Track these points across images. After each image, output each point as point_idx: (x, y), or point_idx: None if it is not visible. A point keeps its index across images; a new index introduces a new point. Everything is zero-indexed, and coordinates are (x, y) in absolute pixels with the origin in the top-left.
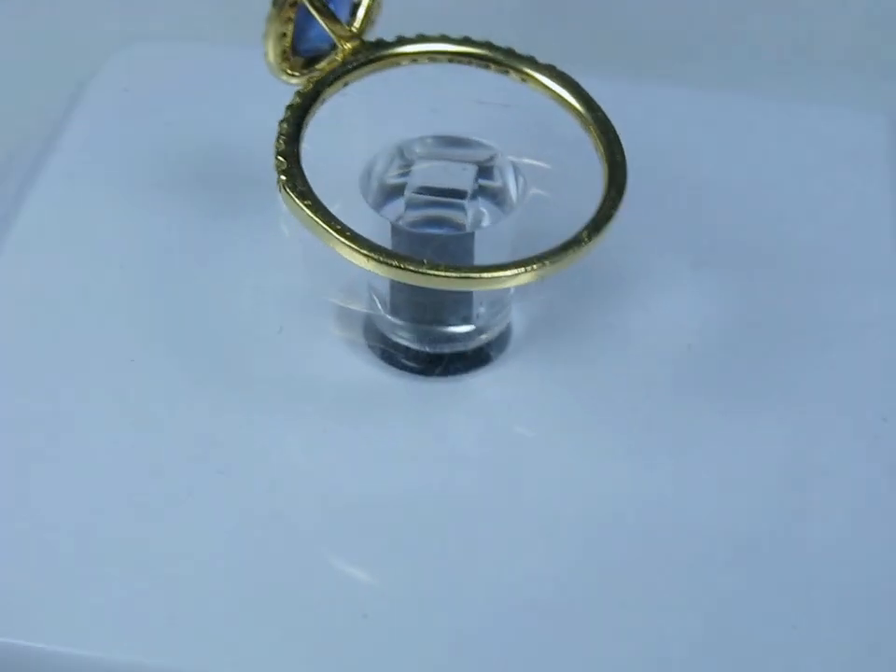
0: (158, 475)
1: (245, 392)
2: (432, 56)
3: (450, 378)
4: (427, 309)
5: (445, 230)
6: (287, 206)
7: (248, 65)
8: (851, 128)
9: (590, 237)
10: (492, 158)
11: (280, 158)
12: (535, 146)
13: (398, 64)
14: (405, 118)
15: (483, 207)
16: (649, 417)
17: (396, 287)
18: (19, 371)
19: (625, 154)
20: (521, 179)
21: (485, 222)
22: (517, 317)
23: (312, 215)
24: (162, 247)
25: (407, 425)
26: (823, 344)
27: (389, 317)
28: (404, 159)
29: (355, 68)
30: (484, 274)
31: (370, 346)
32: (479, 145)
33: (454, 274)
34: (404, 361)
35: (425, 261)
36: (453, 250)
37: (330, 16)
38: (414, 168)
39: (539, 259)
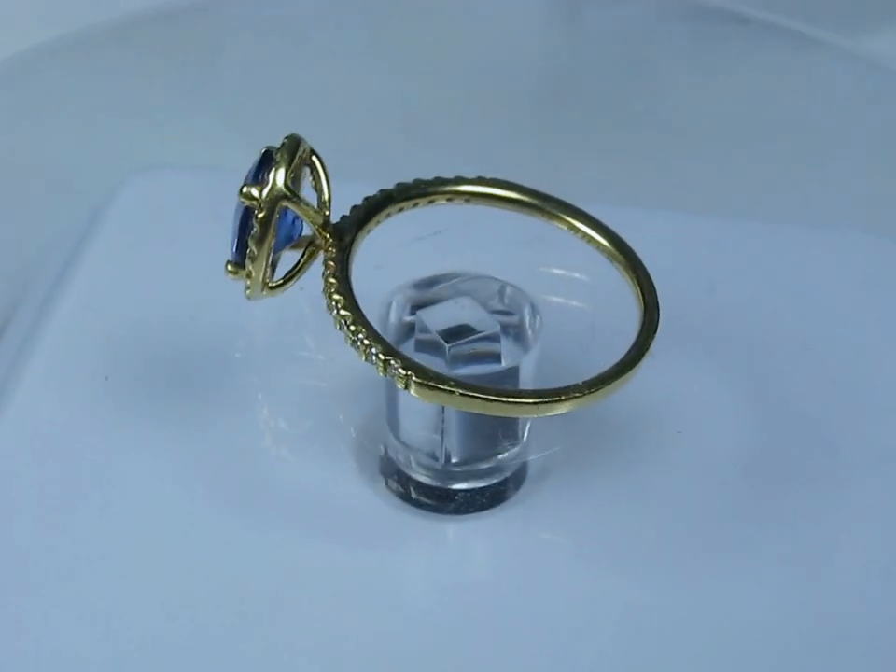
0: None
1: (253, 524)
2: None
3: (463, 516)
4: (459, 444)
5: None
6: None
7: None
8: (871, 252)
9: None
10: (503, 289)
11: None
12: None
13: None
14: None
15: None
16: (668, 565)
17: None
18: None
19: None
20: (538, 316)
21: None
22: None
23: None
24: (183, 381)
25: (413, 563)
26: (849, 481)
27: (406, 451)
28: (421, 296)
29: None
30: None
31: (385, 480)
32: (491, 279)
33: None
34: (418, 497)
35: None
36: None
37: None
38: (430, 313)
39: (593, 384)
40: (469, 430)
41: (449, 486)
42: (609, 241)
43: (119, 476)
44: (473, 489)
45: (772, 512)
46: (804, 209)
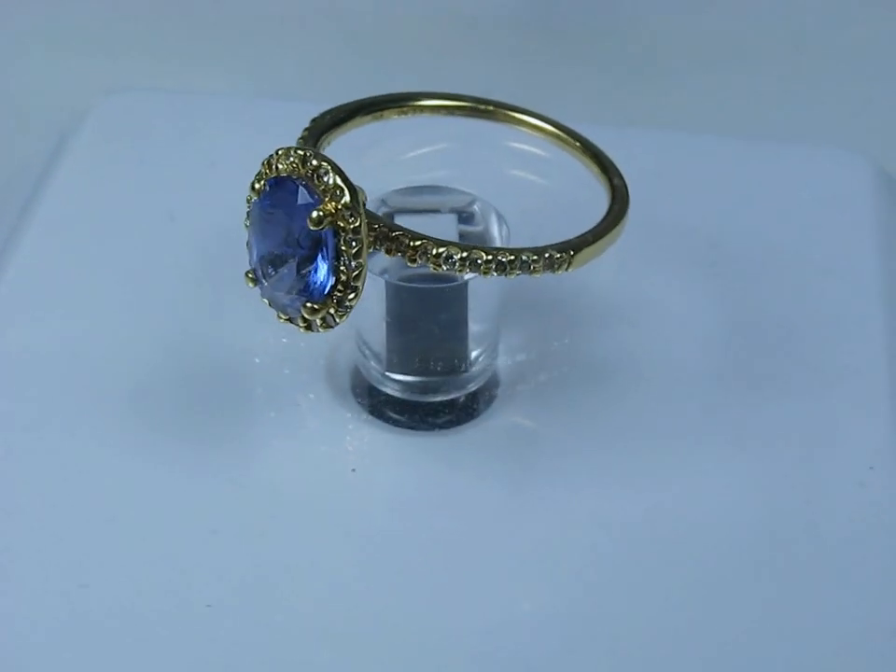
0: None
1: (227, 445)
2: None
3: (437, 432)
4: (417, 354)
5: (435, 282)
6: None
7: (232, 113)
8: (836, 167)
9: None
10: (471, 203)
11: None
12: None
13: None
14: (378, 171)
15: None
16: (643, 476)
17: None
18: None
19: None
20: (504, 226)
21: None
22: (506, 369)
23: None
24: (147, 300)
25: (391, 479)
26: (808, 391)
27: (377, 367)
28: (387, 209)
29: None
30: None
31: (357, 399)
32: (457, 192)
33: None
34: (391, 414)
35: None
36: (448, 301)
37: None
38: (397, 222)
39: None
40: (409, 332)
41: (418, 399)
42: (563, 132)
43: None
44: (442, 402)
45: (742, 420)
46: (788, 126)
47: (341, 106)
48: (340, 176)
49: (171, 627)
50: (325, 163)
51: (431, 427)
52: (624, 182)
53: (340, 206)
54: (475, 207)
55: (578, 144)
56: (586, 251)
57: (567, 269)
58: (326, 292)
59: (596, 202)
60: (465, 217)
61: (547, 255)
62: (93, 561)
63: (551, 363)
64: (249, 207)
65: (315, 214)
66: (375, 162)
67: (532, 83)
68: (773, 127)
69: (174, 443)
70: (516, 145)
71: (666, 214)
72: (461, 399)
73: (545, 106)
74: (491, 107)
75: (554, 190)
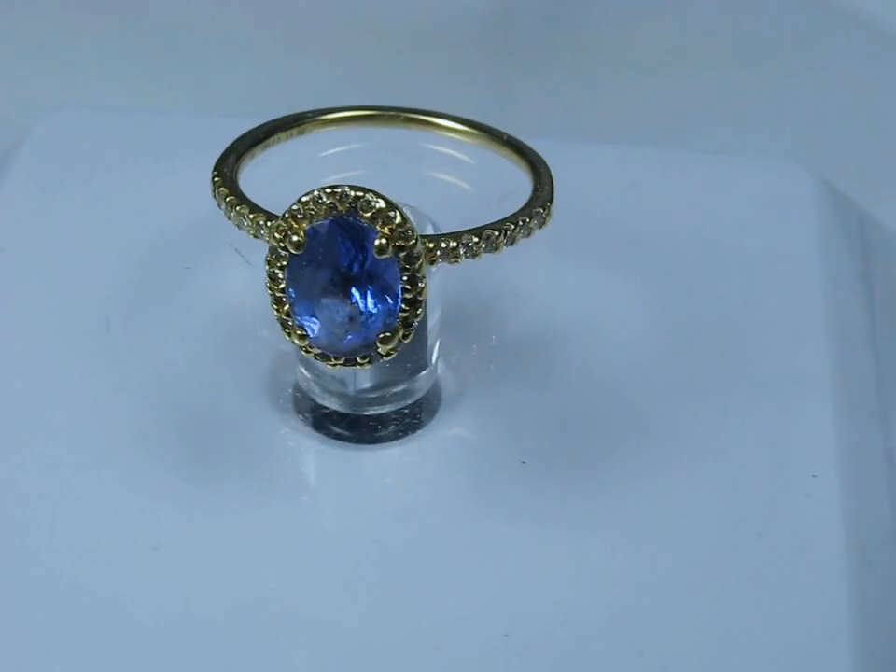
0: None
1: (170, 463)
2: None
3: (379, 445)
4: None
5: None
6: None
7: (174, 131)
8: (777, 178)
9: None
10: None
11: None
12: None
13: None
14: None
15: None
16: (578, 480)
17: None
18: None
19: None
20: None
21: None
22: (445, 379)
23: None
24: (92, 313)
25: (336, 494)
26: (751, 401)
27: (317, 382)
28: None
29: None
30: None
31: (298, 413)
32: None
33: None
34: (334, 429)
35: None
36: None
37: None
38: None
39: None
40: None
41: (360, 413)
42: (475, 129)
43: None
44: (386, 415)
45: (684, 430)
46: (729, 137)
47: (258, 127)
48: (383, 199)
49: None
50: (365, 192)
51: (376, 440)
52: (549, 171)
53: (395, 228)
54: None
55: (502, 140)
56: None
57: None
58: (394, 317)
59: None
60: None
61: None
62: None
63: (492, 372)
64: (275, 268)
65: (378, 242)
66: (297, 175)
67: (483, 99)
68: (714, 138)
69: (110, 458)
70: (437, 148)
71: (612, 225)
72: (404, 411)
73: (496, 121)
74: (410, 115)
75: (480, 194)
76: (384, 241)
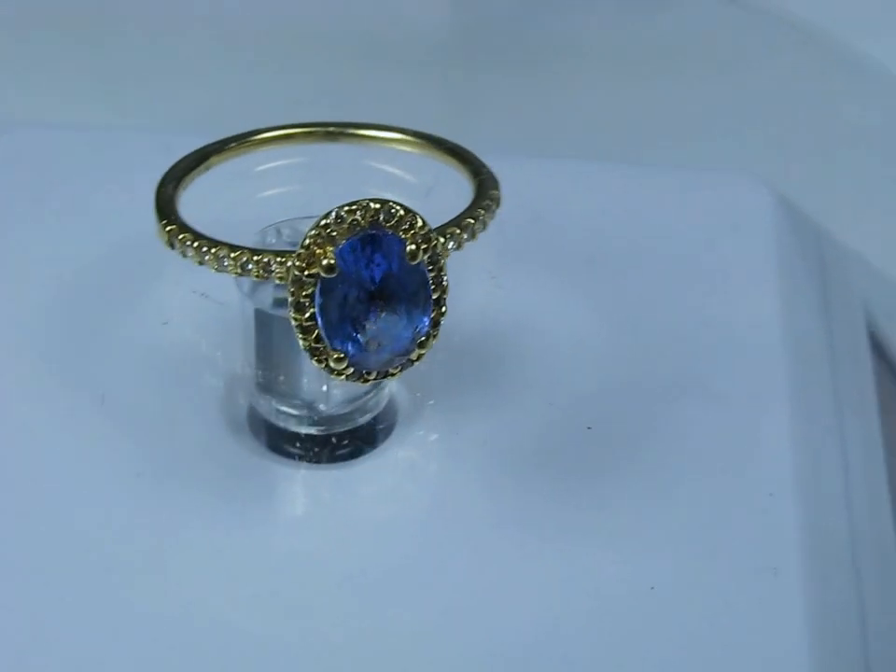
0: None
1: (122, 488)
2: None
3: (335, 465)
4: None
5: None
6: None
7: (128, 147)
8: (734, 192)
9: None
10: None
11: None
12: None
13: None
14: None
15: None
16: (540, 502)
17: (270, 365)
18: None
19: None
20: None
21: None
22: (401, 398)
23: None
24: (40, 333)
25: (293, 514)
26: (706, 418)
27: (267, 399)
28: (280, 240)
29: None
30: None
31: (254, 435)
32: None
33: None
34: (287, 448)
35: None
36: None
37: None
38: None
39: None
40: None
41: (317, 433)
42: (415, 137)
43: None
44: (342, 433)
45: (631, 436)
46: (686, 151)
47: (192, 153)
48: (401, 206)
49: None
50: (384, 203)
51: (331, 459)
52: (492, 173)
53: (418, 232)
54: None
55: (439, 146)
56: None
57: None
58: (427, 320)
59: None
60: None
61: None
62: None
63: (445, 385)
64: (299, 297)
65: (409, 248)
66: (234, 197)
67: (441, 113)
68: (670, 152)
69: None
70: (376, 164)
71: (568, 241)
72: (360, 430)
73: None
74: (346, 129)
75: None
76: (413, 247)
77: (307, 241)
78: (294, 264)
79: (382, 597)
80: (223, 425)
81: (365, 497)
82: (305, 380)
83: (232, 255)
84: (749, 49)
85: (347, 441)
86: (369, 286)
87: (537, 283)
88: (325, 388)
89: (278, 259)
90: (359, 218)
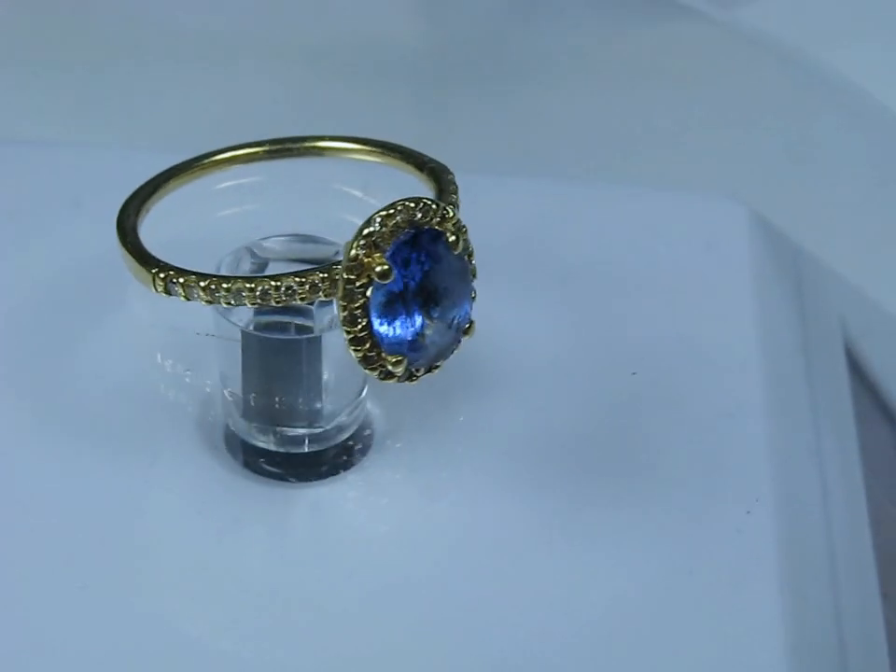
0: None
1: (96, 504)
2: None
3: (311, 483)
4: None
5: (293, 333)
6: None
7: (98, 164)
8: (711, 212)
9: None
10: (338, 253)
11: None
12: None
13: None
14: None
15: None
16: (516, 523)
17: (248, 385)
18: None
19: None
20: None
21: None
22: (378, 417)
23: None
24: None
25: (268, 533)
26: (683, 437)
27: (244, 419)
28: (255, 260)
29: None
30: None
31: (230, 452)
32: (325, 242)
33: None
34: (266, 467)
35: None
36: (304, 353)
37: None
38: (266, 270)
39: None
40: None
41: (292, 451)
42: (373, 146)
43: None
44: (320, 452)
45: (607, 454)
46: (664, 172)
47: (150, 179)
48: (432, 200)
49: None
50: (418, 201)
51: (307, 477)
52: (440, 164)
53: (455, 222)
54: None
55: (393, 151)
56: None
57: None
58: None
59: None
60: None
61: None
62: None
63: (420, 403)
64: (350, 309)
65: (451, 239)
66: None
67: (414, 131)
68: (646, 172)
69: (32, 494)
70: (335, 184)
71: (542, 260)
72: (335, 450)
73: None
74: (303, 144)
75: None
76: (454, 238)
77: (353, 252)
78: (343, 277)
79: (361, 616)
80: (198, 444)
81: (346, 515)
82: (301, 399)
83: (248, 285)
84: (724, 68)
85: (327, 459)
86: (416, 284)
87: (512, 301)
88: (318, 406)
89: (299, 279)
90: (400, 221)
